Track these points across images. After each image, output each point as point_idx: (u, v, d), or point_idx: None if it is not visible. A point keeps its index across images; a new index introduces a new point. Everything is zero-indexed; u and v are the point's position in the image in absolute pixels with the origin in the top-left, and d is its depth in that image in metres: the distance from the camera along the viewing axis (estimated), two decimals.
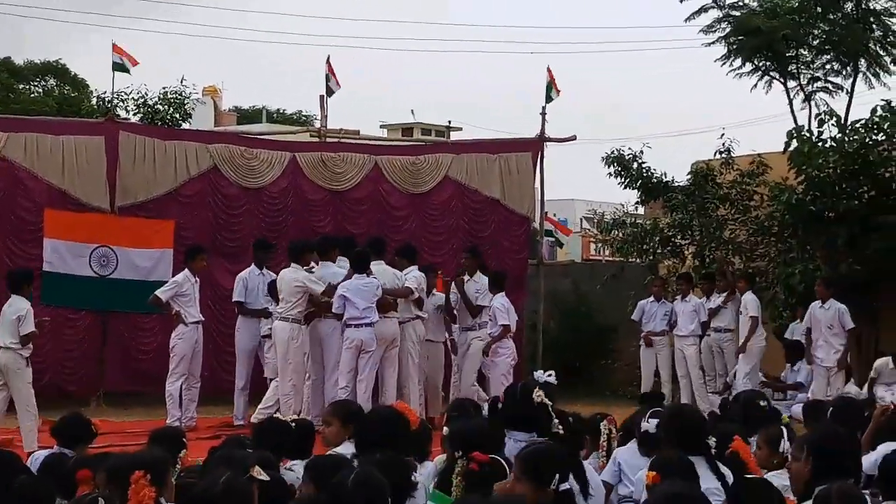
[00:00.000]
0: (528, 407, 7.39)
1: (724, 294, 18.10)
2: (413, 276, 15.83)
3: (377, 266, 15.43)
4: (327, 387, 15.32)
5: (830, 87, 24.15)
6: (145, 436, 8.54)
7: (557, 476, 6.02)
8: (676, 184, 21.48)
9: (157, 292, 15.83)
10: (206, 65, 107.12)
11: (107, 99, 31.34)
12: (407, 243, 17.06)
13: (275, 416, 9.21)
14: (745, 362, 17.29)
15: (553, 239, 22.83)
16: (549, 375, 8.18)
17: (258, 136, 21.58)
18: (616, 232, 22.58)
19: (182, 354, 15.77)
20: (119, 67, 19.03)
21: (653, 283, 19.18)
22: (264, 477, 5.94)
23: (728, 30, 23.55)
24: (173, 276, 16.75)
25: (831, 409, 9.35)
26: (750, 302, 17.57)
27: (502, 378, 15.60)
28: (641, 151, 21.72)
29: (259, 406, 15.49)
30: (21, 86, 48.40)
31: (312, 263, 15.67)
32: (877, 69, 23.62)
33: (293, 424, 7.99)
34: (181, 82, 32.51)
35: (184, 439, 7.62)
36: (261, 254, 16.68)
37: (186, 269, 16.09)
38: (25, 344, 13.71)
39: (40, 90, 49.51)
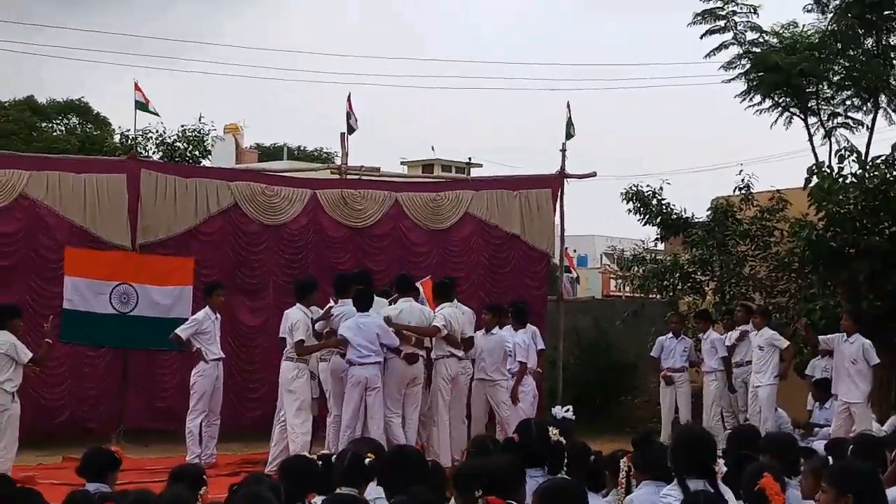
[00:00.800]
0: (543, 445, 7.38)
1: (739, 330, 18.02)
2: (441, 315, 15.45)
3: (405, 303, 15.29)
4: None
5: (851, 123, 24.09)
6: (165, 473, 8.56)
7: None
8: (696, 220, 21.49)
9: (178, 330, 15.83)
10: (228, 103, 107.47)
11: (130, 136, 31.51)
12: (442, 280, 16.57)
13: (300, 453, 9.17)
14: (770, 402, 17.14)
15: (574, 275, 22.78)
16: (567, 411, 8.19)
17: (279, 174, 21.66)
18: (636, 268, 22.54)
19: (202, 391, 15.75)
20: (141, 106, 19.17)
21: (671, 320, 19.13)
22: None
23: (748, 66, 23.55)
24: (193, 313, 16.80)
25: (852, 446, 9.28)
26: (775, 336, 17.45)
27: (524, 416, 15.41)
28: (661, 188, 21.76)
29: (269, 459, 15.21)
30: (44, 124, 48.67)
31: (332, 301, 15.58)
32: None
33: (319, 461, 7.95)
34: (199, 120, 32.68)
35: (204, 476, 7.64)
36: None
37: (206, 307, 16.13)
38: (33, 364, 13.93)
39: (63, 128, 49.76)
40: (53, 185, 17.73)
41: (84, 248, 17.70)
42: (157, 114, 19.86)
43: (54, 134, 47.37)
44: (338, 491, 6.91)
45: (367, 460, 7.27)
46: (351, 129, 19.79)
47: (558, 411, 8.79)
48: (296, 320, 15.14)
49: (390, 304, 15.43)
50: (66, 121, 50.78)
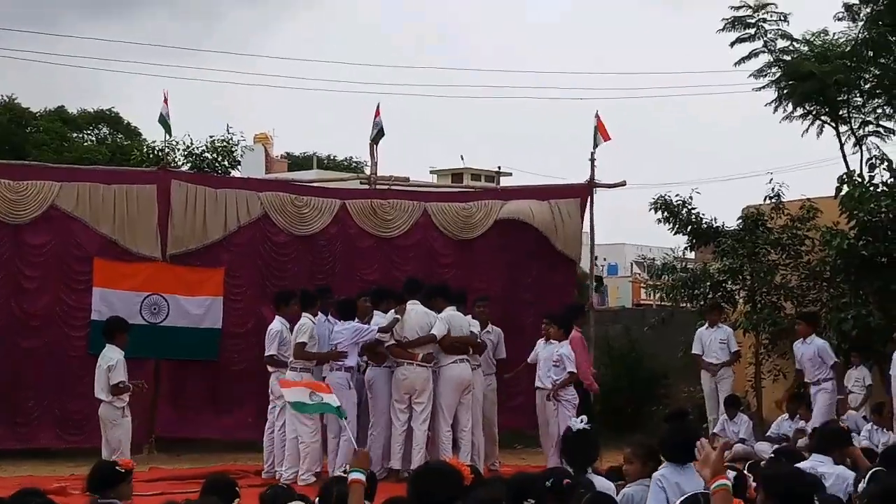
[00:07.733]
0: None
1: None
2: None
3: (451, 311, 15.67)
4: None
5: (882, 132, 24.00)
6: (196, 482, 8.58)
7: None
8: (726, 229, 21.39)
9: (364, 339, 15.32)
10: (258, 112, 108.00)
11: (157, 148, 31.51)
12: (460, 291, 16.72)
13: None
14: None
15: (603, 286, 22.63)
16: (583, 422, 8.59)
17: (308, 184, 21.64)
18: (666, 277, 22.46)
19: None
20: (162, 121, 19.00)
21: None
22: None
23: (779, 74, 23.46)
24: (222, 323, 17.62)
25: (880, 456, 9.16)
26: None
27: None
28: (691, 197, 21.65)
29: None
30: (74, 135, 48.86)
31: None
32: None
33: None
34: (227, 130, 32.67)
35: (237, 488, 7.64)
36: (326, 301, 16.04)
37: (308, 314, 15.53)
38: (117, 395, 13.82)
39: (93, 139, 49.94)
40: (84, 196, 17.80)
41: (114, 259, 17.75)
42: (169, 132, 19.72)
43: (85, 144, 47.57)
44: None
45: None
46: (377, 138, 19.66)
47: (575, 423, 9.12)
48: (300, 325, 15.15)
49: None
50: (96, 131, 50.97)
